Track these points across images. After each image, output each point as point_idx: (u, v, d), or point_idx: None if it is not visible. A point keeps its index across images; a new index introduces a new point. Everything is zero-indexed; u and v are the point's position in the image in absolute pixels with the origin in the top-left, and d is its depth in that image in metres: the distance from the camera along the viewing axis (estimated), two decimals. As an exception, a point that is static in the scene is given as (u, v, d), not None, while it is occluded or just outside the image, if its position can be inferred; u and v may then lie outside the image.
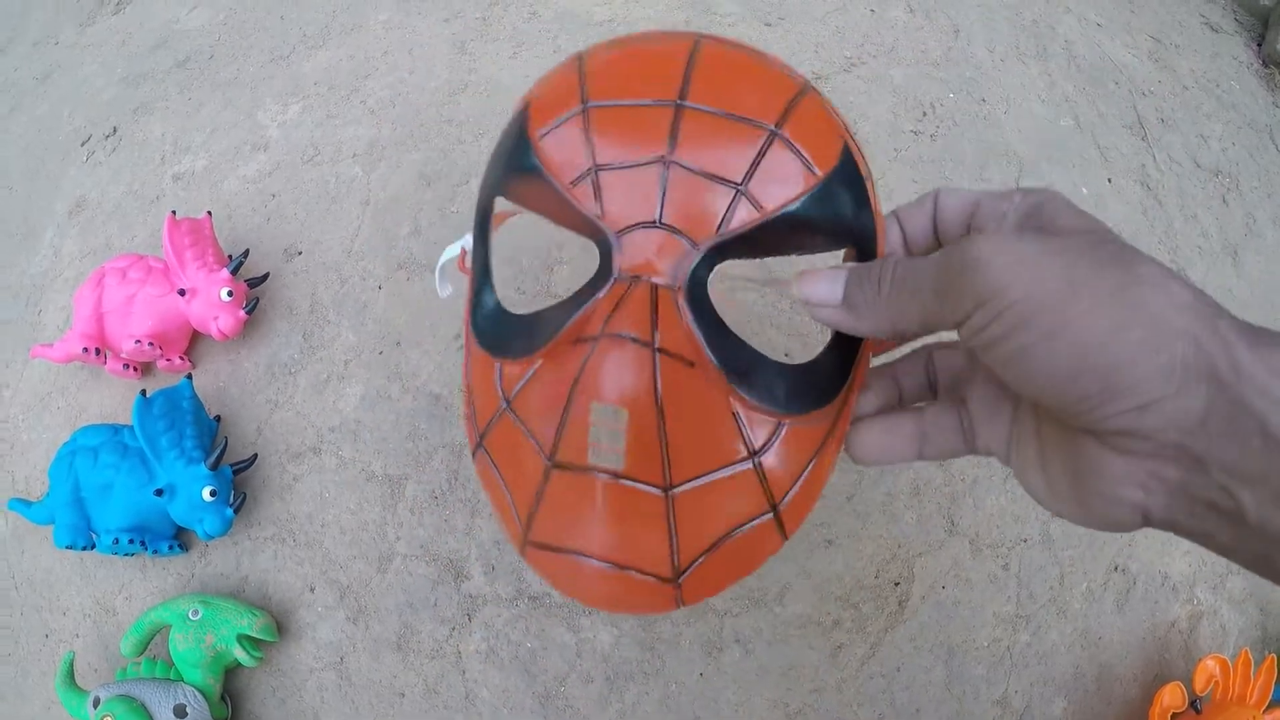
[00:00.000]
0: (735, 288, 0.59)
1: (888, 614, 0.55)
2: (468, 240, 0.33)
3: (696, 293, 0.26)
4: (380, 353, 0.62)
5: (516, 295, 0.62)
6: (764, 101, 0.27)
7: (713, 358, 0.26)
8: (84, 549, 0.54)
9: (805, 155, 0.27)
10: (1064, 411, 0.22)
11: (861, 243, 0.28)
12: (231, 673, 0.54)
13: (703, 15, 0.75)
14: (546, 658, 0.54)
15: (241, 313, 0.58)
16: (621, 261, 0.26)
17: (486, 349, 0.30)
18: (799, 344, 0.60)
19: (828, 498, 0.57)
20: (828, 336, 0.29)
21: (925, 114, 0.71)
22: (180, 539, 0.57)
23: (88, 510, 0.54)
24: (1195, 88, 0.78)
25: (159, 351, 0.59)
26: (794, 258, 0.30)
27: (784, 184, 0.26)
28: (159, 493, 0.52)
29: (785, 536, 0.28)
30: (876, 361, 0.31)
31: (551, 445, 0.27)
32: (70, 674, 0.52)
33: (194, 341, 0.62)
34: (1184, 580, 0.60)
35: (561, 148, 0.27)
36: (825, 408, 0.28)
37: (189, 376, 0.58)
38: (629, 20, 0.75)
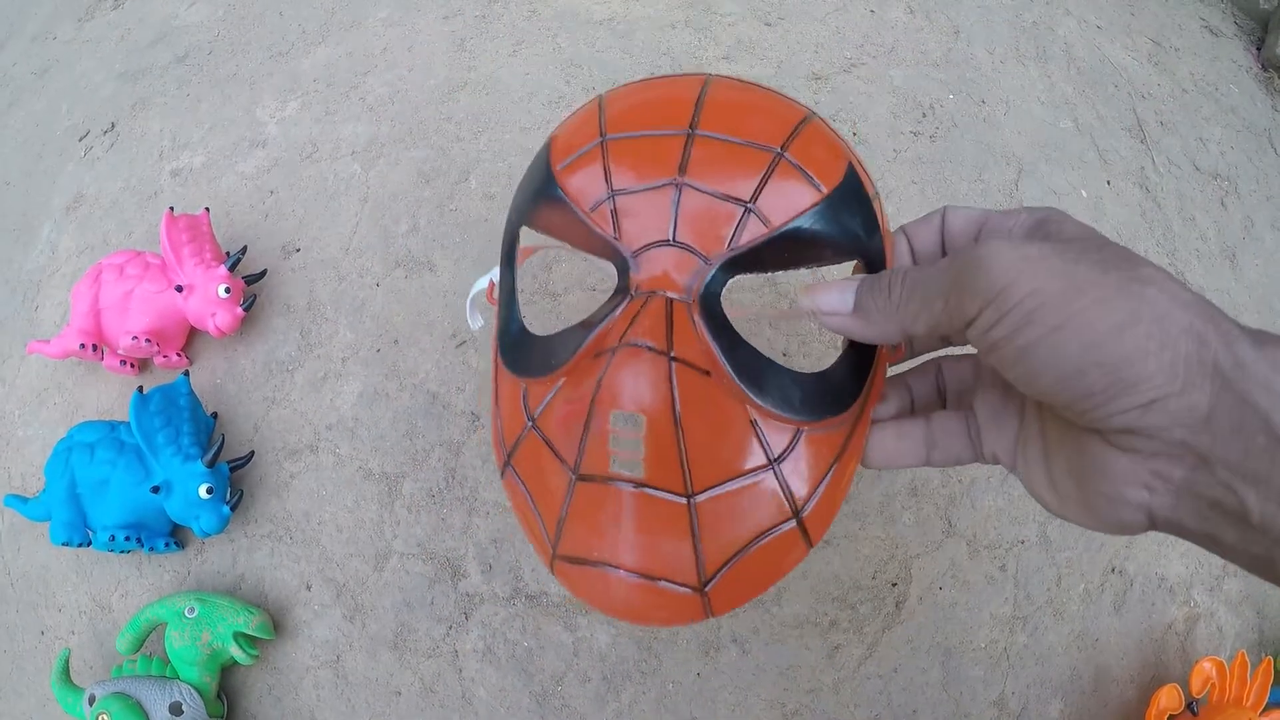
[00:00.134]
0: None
1: (885, 615, 0.55)
2: (495, 273, 0.35)
3: (710, 306, 0.27)
4: (378, 350, 0.62)
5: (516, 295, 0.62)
6: (770, 127, 0.29)
7: (728, 366, 0.27)
8: (80, 546, 0.54)
9: (810, 174, 0.28)
10: (1069, 409, 0.22)
11: (869, 256, 0.29)
12: (228, 670, 0.54)
13: (703, 15, 0.75)
14: (543, 657, 0.54)
15: (239, 310, 0.58)
16: (638, 279, 0.27)
17: (511, 370, 0.32)
18: (797, 344, 0.60)
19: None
20: (827, 338, 0.29)
21: (925, 115, 0.71)
22: (176, 536, 0.56)
23: (84, 507, 0.54)
24: (1194, 91, 0.78)
25: (156, 348, 0.58)
26: (803, 273, 0.31)
27: (790, 200, 0.28)
28: (155, 490, 0.51)
29: (811, 544, 0.29)
30: (890, 372, 0.32)
31: (575, 458, 0.28)
32: (66, 671, 0.52)
33: (191, 338, 0.62)
34: (1181, 582, 0.60)
35: (581, 177, 0.29)
36: (843, 415, 0.29)
37: (186, 373, 0.57)
38: (628, 18, 0.75)
